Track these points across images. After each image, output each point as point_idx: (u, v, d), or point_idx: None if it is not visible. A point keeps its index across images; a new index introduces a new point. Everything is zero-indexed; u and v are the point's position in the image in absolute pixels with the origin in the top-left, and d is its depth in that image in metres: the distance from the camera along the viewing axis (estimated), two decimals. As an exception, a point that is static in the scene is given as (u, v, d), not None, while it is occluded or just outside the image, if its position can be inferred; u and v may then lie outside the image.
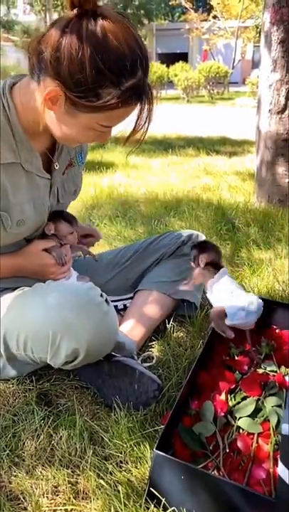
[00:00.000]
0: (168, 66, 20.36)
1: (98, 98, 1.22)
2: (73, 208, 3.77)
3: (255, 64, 28.27)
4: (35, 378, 1.73)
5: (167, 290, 1.98)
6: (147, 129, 1.33)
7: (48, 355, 1.47)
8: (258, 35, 23.46)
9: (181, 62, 21.09)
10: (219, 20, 27.84)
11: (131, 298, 2.06)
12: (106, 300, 1.48)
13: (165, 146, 7.27)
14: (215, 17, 28.23)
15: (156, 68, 19.19)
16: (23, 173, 1.49)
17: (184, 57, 28.85)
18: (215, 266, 1.80)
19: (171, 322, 2.05)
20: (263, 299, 1.74)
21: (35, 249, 1.67)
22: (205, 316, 2.11)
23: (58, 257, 1.69)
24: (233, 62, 26.32)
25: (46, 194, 1.61)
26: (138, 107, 1.29)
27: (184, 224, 3.38)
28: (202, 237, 2.12)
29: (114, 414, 1.56)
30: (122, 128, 1.34)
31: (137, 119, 1.31)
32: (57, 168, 1.61)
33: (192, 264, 1.82)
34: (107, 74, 1.18)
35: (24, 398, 1.65)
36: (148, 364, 1.80)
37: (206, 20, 28.87)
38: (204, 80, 18.85)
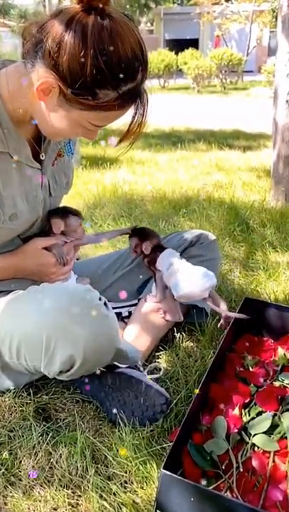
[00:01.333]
0: (177, 53, 20.36)
1: (94, 98, 1.27)
2: (74, 206, 3.78)
3: (272, 51, 28.22)
4: (32, 391, 1.74)
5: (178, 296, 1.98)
6: (140, 131, 1.40)
7: (42, 362, 1.47)
8: (274, 19, 23.42)
9: (191, 49, 21.07)
10: (232, 3, 27.83)
11: (136, 304, 2.07)
12: (105, 303, 1.49)
13: (173, 139, 7.28)
14: (228, 0, 28.25)
15: (164, 56, 19.20)
16: (12, 163, 1.52)
17: (194, 43, 28.84)
18: (160, 249, 1.99)
19: (179, 330, 2.05)
20: (279, 306, 1.75)
21: (34, 247, 1.68)
22: (217, 324, 2.11)
23: (59, 255, 1.70)
24: (248, 49, 26.29)
25: (38, 186, 1.64)
26: (133, 110, 1.36)
27: (194, 224, 3.38)
28: (212, 238, 2.12)
29: (119, 431, 1.56)
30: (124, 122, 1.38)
31: (131, 122, 1.38)
32: (43, 158, 1.63)
33: (133, 253, 2.04)
34: (108, 75, 1.24)
35: (21, 412, 1.66)
36: (155, 376, 1.80)
37: (218, 3, 28.87)
38: (216, 68, 18.84)
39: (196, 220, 3.46)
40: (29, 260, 1.68)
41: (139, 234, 2.05)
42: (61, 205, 1.84)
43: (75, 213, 1.81)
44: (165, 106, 11.59)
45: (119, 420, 1.59)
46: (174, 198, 4.07)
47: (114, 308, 1.83)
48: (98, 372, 1.64)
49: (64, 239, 1.76)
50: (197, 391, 1.50)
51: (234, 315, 1.92)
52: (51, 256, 1.70)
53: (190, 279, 1.85)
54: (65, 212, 1.77)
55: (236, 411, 1.55)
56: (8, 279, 1.68)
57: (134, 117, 1.37)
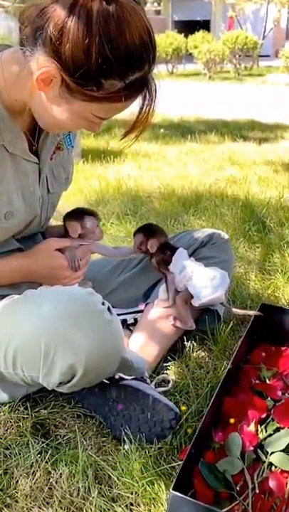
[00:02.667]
0: (186, 36, 20.35)
1: (99, 88, 1.28)
2: (75, 204, 3.78)
3: (290, 33, 28.15)
4: (30, 404, 1.74)
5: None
6: (148, 123, 1.40)
7: (41, 372, 1.47)
8: (293, -1, 23.39)
9: (201, 31, 21.07)
10: (247, -19, 27.81)
11: (142, 310, 2.07)
12: (108, 308, 1.49)
13: (183, 130, 7.28)
14: (242, -22, 28.21)
15: (172, 39, 19.19)
16: (8, 156, 1.53)
17: (205, 25, 28.84)
18: (169, 248, 2.00)
19: (190, 339, 2.05)
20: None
21: (47, 248, 1.70)
22: (230, 332, 2.11)
23: (71, 259, 1.72)
24: (264, 31, 26.24)
25: (36, 181, 1.65)
26: (140, 101, 1.36)
27: (206, 223, 3.39)
28: (225, 238, 2.12)
29: (124, 448, 1.57)
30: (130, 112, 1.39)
31: (138, 113, 1.38)
32: (34, 148, 1.64)
33: (137, 251, 2.03)
34: (114, 64, 1.24)
35: (17, 428, 1.66)
36: (163, 389, 1.80)
37: (231, -19, 28.86)
38: (229, 52, 18.82)
39: (208, 218, 3.46)
40: (41, 262, 1.69)
41: (145, 230, 2.06)
42: (60, 202, 1.84)
43: (91, 213, 1.84)
44: (173, 94, 11.58)
45: (125, 437, 1.59)
46: (183, 194, 4.08)
47: (118, 314, 1.83)
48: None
49: (82, 242, 1.78)
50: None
51: (243, 312, 1.95)
52: (64, 258, 1.71)
53: (212, 285, 1.86)
54: (81, 214, 1.80)
55: (252, 427, 1.56)
56: (18, 283, 1.69)
57: (141, 108, 1.37)
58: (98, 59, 1.22)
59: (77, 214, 1.82)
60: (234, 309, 2.02)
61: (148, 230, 2.05)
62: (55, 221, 1.95)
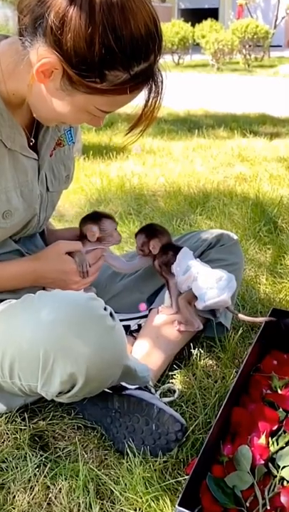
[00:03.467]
0: (193, 25, 20.37)
1: (103, 80, 1.29)
2: (75, 203, 3.80)
3: (303, 22, 28.10)
4: (27, 415, 1.75)
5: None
6: (154, 117, 1.41)
7: (39, 382, 1.47)
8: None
9: (209, 20, 21.10)
10: None
11: (146, 316, 2.07)
12: (111, 314, 1.49)
13: (189, 125, 7.28)
14: None
15: (178, 28, 19.21)
16: (6, 152, 1.53)
17: (213, 13, 28.85)
18: (172, 248, 2.00)
19: (197, 346, 2.05)
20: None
21: (57, 252, 1.72)
22: (240, 339, 2.11)
23: (80, 263, 1.73)
24: (276, 20, 26.24)
25: (35, 179, 1.66)
26: (146, 94, 1.37)
27: (214, 223, 3.39)
28: (234, 239, 2.12)
29: (127, 462, 1.57)
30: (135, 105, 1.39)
31: (144, 107, 1.38)
32: (32, 144, 1.64)
33: (139, 253, 2.03)
34: (118, 55, 1.25)
35: (14, 440, 1.66)
36: (169, 399, 1.81)
37: None
38: (239, 42, 18.83)
39: (216, 218, 3.47)
40: (51, 266, 1.70)
41: (147, 231, 2.05)
42: (60, 202, 1.85)
43: (107, 215, 1.88)
44: (180, 86, 11.59)
45: (128, 450, 1.59)
46: (190, 192, 4.08)
47: (121, 320, 1.83)
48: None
49: (96, 246, 1.81)
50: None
51: (251, 319, 1.95)
52: (75, 263, 1.72)
53: (218, 286, 1.86)
54: (98, 216, 1.83)
55: (262, 439, 1.56)
56: (26, 288, 1.69)
57: (147, 101, 1.38)
58: (101, 49, 1.23)
59: (94, 217, 1.86)
60: (240, 315, 2.02)
61: (150, 231, 2.05)
62: (55, 221, 1.95)
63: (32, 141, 1.63)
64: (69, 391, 1.47)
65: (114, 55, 1.24)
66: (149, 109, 1.39)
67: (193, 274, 1.91)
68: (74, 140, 1.81)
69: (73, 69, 1.27)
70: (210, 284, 1.88)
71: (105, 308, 1.49)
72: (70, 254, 1.74)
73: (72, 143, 1.81)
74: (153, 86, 1.36)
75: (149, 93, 1.37)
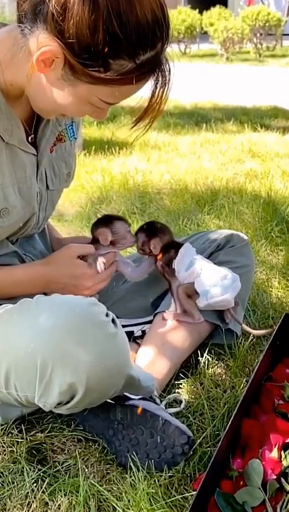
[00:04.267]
0: (201, 12, 20.37)
1: (107, 69, 1.29)
2: (75, 202, 3.80)
3: None
4: (24, 427, 1.74)
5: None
6: (161, 110, 1.41)
7: (36, 392, 1.46)
8: None
9: (218, 7, 21.09)
10: None
11: (150, 322, 2.08)
12: (113, 320, 1.49)
13: (197, 119, 7.29)
14: None
15: (185, 15, 19.21)
16: (3, 146, 1.54)
17: (222, 0, 28.86)
18: (174, 246, 2.00)
19: (205, 353, 2.05)
20: None
21: (68, 256, 1.74)
22: (250, 346, 2.11)
23: (94, 262, 1.77)
24: None
25: (33, 176, 1.66)
26: (152, 84, 1.37)
27: (223, 223, 3.39)
28: (244, 239, 2.12)
29: (130, 476, 1.56)
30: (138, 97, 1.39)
31: (151, 98, 1.39)
32: (32, 140, 1.64)
33: (140, 252, 2.03)
34: (123, 42, 1.25)
35: (10, 454, 1.66)
36: (175, 410, 1.81)
37: None
38: (249, 30, 18.82)
39: (225, 217, 3.47)
40: (62, 270, 1.71)
41: (147, 229, 2.04)
42: (58, 200, 1.85)
43: (119, 218, 1.90)
44: (186, 77, 11.59)
45: (131, 464, 1.59)
46: (197, 190, 4.08)
47: (124, 326, 1.84)
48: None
49: (109, 249, 1.84)
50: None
51: (257, 332, 1.96)
52: (87, 267, 1.74)
53: (222, 284, 1.87)
54: (109, 219, 1.87)
55: (274, 453, 1.55)
56: (35, 294, 1.70)
57: (153, 92, 1.38)
58: (106, 36, 1.23)
59: (106, 220, 1.89)
60: (244, 326, 2.02)
61: (150, 229, 2.03)
62: (54, 221, 1.95)
63: (32, 136, 1.64)
64: (68, 402, 1.47)
65: (119, 43, 1.25)
66: (156, 100, 1.39)
67: (197, 270, 1.92)
68: (76, 136, 1.81)
69: (76, 57, 1.27)
70: (214, 281, 1.89)
71: (107, 314, 1.48)
72: (82, 258, 1.76)
73: (74, 139, 1.81)
74: (160, 76, 1.36)
75: (156, 84, 1.37)
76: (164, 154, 5.35)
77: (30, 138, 1.64)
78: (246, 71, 14.74)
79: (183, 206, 3.72)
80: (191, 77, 12.07)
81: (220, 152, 5.39)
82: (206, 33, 19.52)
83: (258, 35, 19.05)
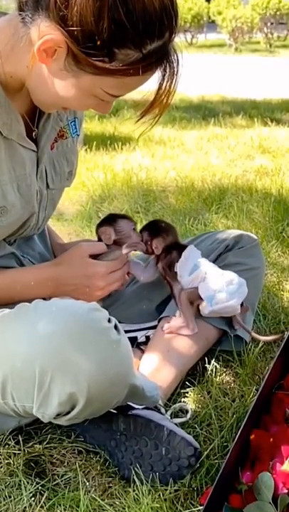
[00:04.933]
0: (208, 0, 20.39)
1: (112, 59, 1.29)
2: (76, 201, 3.80)
3: None
4: (22, 438, 1.74)
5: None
6: (168, 103, 1.41)
7: (35, 402, 1.46)
8: None
9: (226, -6, 21.12)
10: None
11: (155, 327, 2.08)
12: (116, 326, 1.49)
13: (204, 112, 7.29)
14: None
15: (191, 3, 19.24)
16: (1, 141, 1.54)
17: (230, -13, 28.85)
18: (177, 248, 1.98)
19: (212, 360, 2.05)
20: None
21: (79, 255, 1.75)
22: (260, 352, 2.11)
23: (108, 258, 1.80)
24: (301, -6, 26.25)
25: (33, 173, 1.66)
26: (159, 75, 1.37)
27: (231, 223, 3.39)
28: (254, 240, 2.12)
29: (134, 490, 1.56)
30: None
31: (158, 90, 1.39)
32: (35, 137, 1.65)
33: (144, 252, 2.00)
34: (130, 31, 1.25)
35: (7, 466, 1.66)
36: (181, 420, 1.81)
37: None
38: (259, 19, 18.83)
39: (234, 217, 3.47)
40: (74, 270, 1.72)
41: (150, 228, 2.04)
42: (59, 200, 1.86)
43: (124, 217, 1.92)
44: (193, 69, 11.59)
45: (135, 477, 1.59)
46: (204, 188, 4.08)
47: (127, 331, 1.84)
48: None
49: (124, 249, 1.86)
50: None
51: (265, 339, 1.95)
52: (100, 266, 1.75)
53: (228, 290, 1.86)
54: (112, 218, 1.89)
55: (286, 466, 1.55)
56: (43, 297, 1.70)
57: (161, 84, 1.38)
58: (111, 24, 1.23)
59: (109, 219, 1.90)
60: (253, 334, 2.02)
61: (153, 228, 2.03)
62: (53, 220, 1.95)
63: (35, 131, 1.64)
64: (68, 413, 1.47)
65: (125, 31, 1.25)
66: (163, 93, 1.39)
67: (201, 274, 1.91)
68: (78, 132, 1.81)
69: (79, 47, 1.27)
70: (219, 286, 1.88)
71: (109, 320, 1.48)
72: (94, 257, 1.77)
73: (77, 135, 1.81)
74: (168, 67, 1.36)
75: (164, 75, 1.37)
76: (170, 150, 5.35)
77: (34, 134, 1.64)
78: (256, 62, 14.74)
79: (189, 205, 3.72)
80: (198, 69, 12.06)
81: (228, 148, 5.39)
82: (213, 22, 19.55)
83: (269, 24, 19.06)
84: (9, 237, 1.70)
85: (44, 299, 1.62)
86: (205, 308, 1.91)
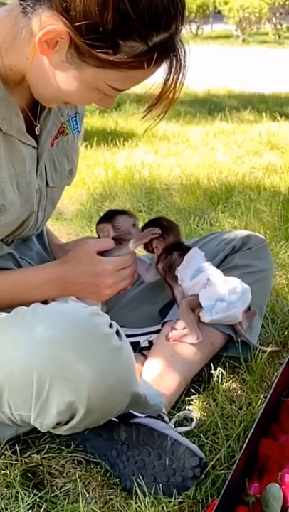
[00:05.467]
0: (214, -11, 20.40)
1: (116, 51, 1.29)
2: (76, 199, 3.80)
3: None
4: (19, 448, 1.74)
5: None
6: (175, 98, 1.41)
7: (33, 411, 1.45)
8: None
9: (233, -17, 21.13)
10: None
11: (158, 331, 2.07)
12: (117, 332, 1.48)
13: (210, 107, 7.29)
14: None
15: (196, -7, 19.23)
16: (0, 137, 1.54)
17: (237, -24, 28.86)
18: (179, 249, 1.97)
19: (218, 367, 2.05)
20: None
21: (86, 252, 1.76)
22: (269, 358, 2.11)
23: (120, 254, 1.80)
24: (311, -18, 26.24)
25: (33, 170, 1.66)
26: (166, 69, 1.38)
27: (238, 222, 3.39)
28: (263, 241, 2.12)
29: (136, 502, 1.56)
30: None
31: (164, 84, 1.39)
32: (38, 133, 1.65)
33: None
34: (135, 22, 1.25)
35: (4, 477, 1.66)
36: (185, 429, 1.80)
37: None
38: (268, 9, 18.83)
39: (241, 216, 3.47)
40: (82, 268, 1.73)
41: (152, 226, 2.01)
42: (59, 199, 1.86)
43: (123, 212, 1.93)
44: (198, 61, 11.59)
45: (137, 488, 1.59)
46: (210, 186, 4.08)
47: (129, 336, 1.84)
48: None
49: (132, 244, 1.86)
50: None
51: (270, 349, 1.96)
52: (108, 262, 1.75)
53: (229, 299, 1.86)
54: (111, 214, 1.90)
55: (295, 477, 1.55)
56: (49, 298, 1.71)
57: (167, 78, 1.38)
58: (116, 15, 1.23)
59: (107, 215, 1.91)
60: (258, 346, 2.03)
61: (155, 226, 2.00)
62: (52, 220, 1.95)
63: (37, 126, 1.64)
64: (68, 422, 1.46)
65: (131, 22, 1.25)
66: (170, 88, 1.39)
67: (203, 280, 1.91)
68: (80, 129, 1.81)
69: (82, 38, 1.27)
70: (220, 294, 1.87)
71: (111, 325, 1.48)
72: (100, 254, 1.78)
73: (78, 132, 1.81)
74: (174, 60, 1.37)
75: (170, 69, 1.37)
76: (174, 146, 5.36)
77: (36, 129, 1.64)
78: (264, 54, 14.75)
79: (194, 203, 3.72)
80: (203, 61, 12.06)
81: (235, 144, 5.39)
82: (220, 12, 19.55)
83: (278, 14, 19.06)
84: (7, 237, 1.70)
85: (44, 302, 1.62)
86: (204, 317, 1.90)
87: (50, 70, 1.38)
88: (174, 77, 1.38)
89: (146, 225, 2.00)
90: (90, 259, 1.74)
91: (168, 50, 1.35)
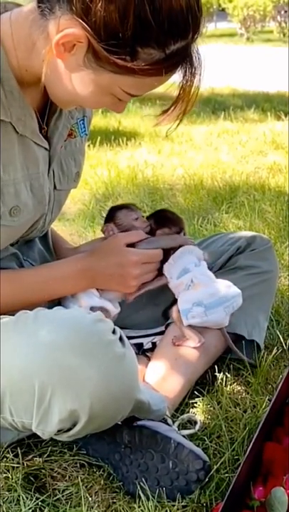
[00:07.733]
0: (218, -13, 20.39)
1: (134, 58, 1.30)
2: (78, 199, 3.80)
3: None
4: (21, 451, 1.74)
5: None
6: (193, 104, 1.43)
7: (34, 419, 1.45)
8: None
9: (237, -19, 21.12)
10: None
11: (162, 333, 2.07)
12: (121, 338, 1.48)
13: (214, 106, 7.29)
14: None
15: (200, -9, 19.22)
16: (16, 138, 1.54)
17: (242, -27, 28.85)
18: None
19: (222, 369, 2.05)
20: None
21: (116, 244, 1.79)
22: (273, 361, 2.11)
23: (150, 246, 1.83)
24: (317, -20, 26.21)
25: (45, 172, 1.66)
26: (181, 75, 1.39)
27: (242, 223, 3.39)
28: (268, 242, 2.12)
29: (139, 506, 1.56)
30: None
31: (179, 91, 1.41)
32: (52, 136, 1.65)
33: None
34: (154, 30, 1.27)
35: (5, 480, 1.66)
36: (189, 432, 1.80)
37: None
38: (273, 7, 18.82)
39: (245, 216, 3.47)
40: (109, 260, 1.75)
41: (156, 218, 2.03)
42: (65, 202, 1.87)
43: (122, 207, 1.95)
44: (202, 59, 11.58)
45: (140, 492, 1.59)
46: (214, 186, 4.08)
47: (132, 337, 1.84)
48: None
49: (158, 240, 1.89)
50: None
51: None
52: (133, 253, 1.77)
53: (207, 304, 1.85)
54: (111, 211, 1.93)
55: (301, 481, 1.55)
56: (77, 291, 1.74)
57: (183, 85, 1.40)
58: (136, 22, 1.24)
59: (110, 214, 1.94)
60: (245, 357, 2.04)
61: (159, 219, 2.02)
62: (55, 221, 1.95)
63: (44, 129, 1.64)
64: (69, 429, 1.46)
65: (150, 30, 1.26)
66: (184, 94, 1.41)
67: (187, 281, 1.89)
68: (87, 132, 1.82)
69: (101, 43, 1.28)
70: (198, 299, 1.86)
71: (114, 331, 1.47)
72: (130, 246, 1.81)
73: (85, 135, 1.82)
74: (188, 68, 1.38)
75: (184, 76, 1.39)
76: (177, 146, 5.36)
77: (43, 131, 1.65)
78: (269, 53, 14.74)
79: (198, 204, 3.72)
80: (207, 60, 12.03)
81: (239, 143, 5.39)
82: (223, 10, 19.53)
83: (283, 12, 19.04)
84: (19, 239, 1.70)
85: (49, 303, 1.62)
86: (183, 320, 1.90)
87: (65, 73, 1.39)
88: (188, 83, 1.39)
89: (150, 217, 2.00)
90: (119, 251, 1.77)
91: (183, 59, 1.36)
